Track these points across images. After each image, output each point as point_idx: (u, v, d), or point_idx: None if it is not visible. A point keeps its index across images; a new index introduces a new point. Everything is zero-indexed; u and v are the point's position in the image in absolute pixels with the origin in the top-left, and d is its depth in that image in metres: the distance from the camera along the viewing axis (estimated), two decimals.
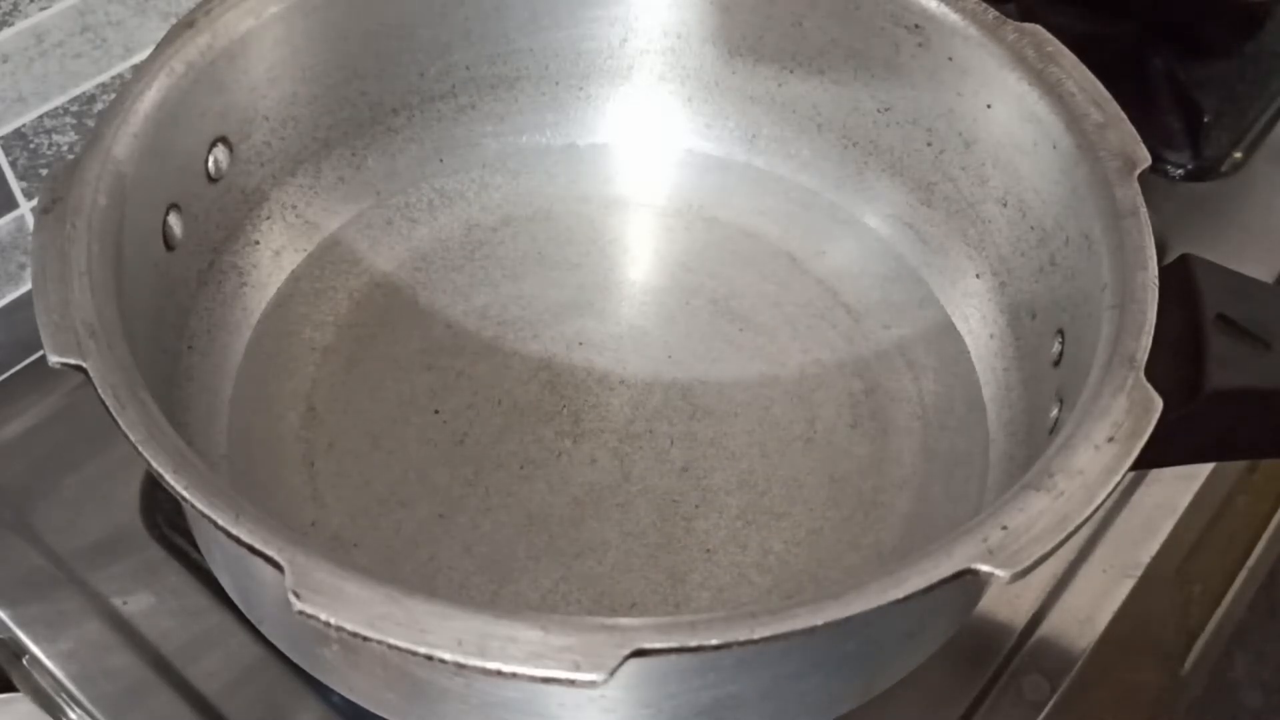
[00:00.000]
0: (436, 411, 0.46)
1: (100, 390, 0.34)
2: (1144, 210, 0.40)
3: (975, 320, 0.48)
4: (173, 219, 0.42)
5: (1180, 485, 0.51)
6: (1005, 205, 0.46)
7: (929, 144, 0.48)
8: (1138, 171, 0.41)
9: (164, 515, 0.48)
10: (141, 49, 0.51)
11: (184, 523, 0.47)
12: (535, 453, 0.45)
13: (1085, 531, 0.46)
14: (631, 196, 0.53)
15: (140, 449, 0.33)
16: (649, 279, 0.51)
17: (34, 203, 0.51)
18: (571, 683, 0.29)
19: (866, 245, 0.51)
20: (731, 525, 0.44)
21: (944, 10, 0.45)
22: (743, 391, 0.47)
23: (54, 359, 0.34)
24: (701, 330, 0.49)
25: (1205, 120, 0.61)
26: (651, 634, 0.30)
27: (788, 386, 0.48)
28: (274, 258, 0.47)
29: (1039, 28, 0.44)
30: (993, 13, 0.45)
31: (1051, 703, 0.45)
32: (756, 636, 0.30)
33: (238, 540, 0.31)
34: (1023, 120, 0.44)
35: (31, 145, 0.50)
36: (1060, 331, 0.42)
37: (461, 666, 0.29)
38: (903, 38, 0.47)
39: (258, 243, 0.48)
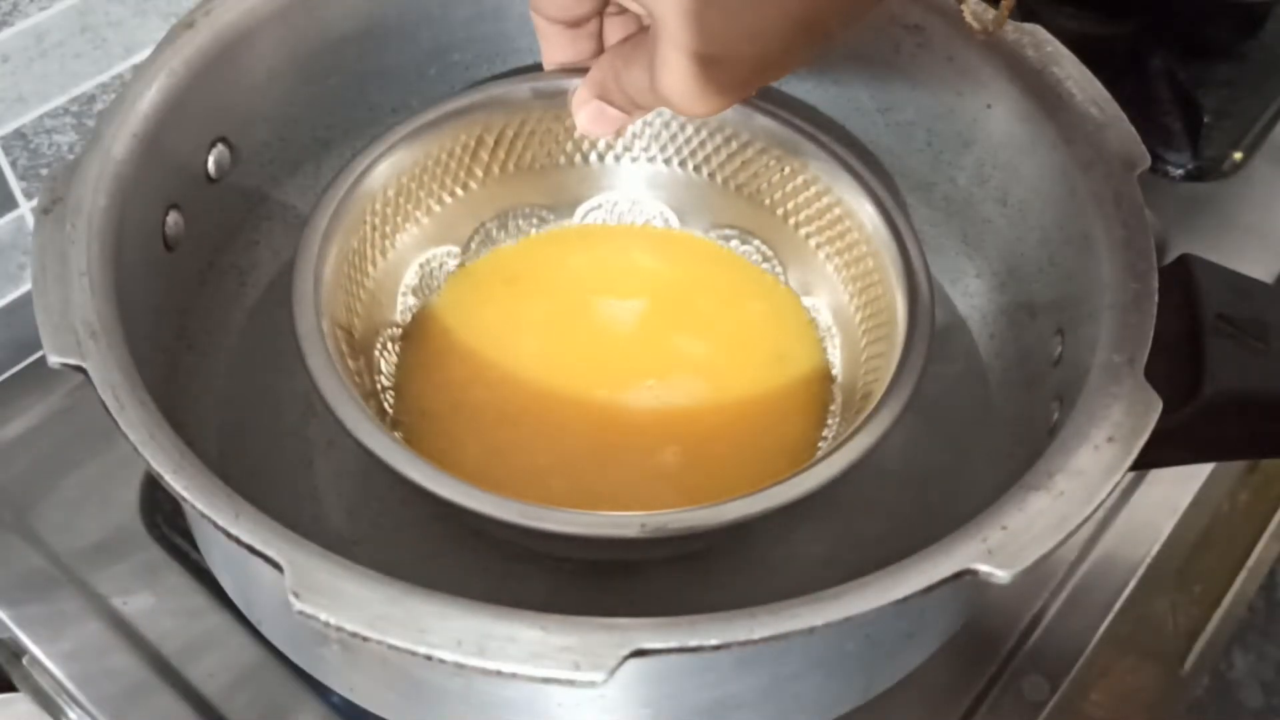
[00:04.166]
0: None
1: (100, 390, 0.34)
2: (1144, 210, 0.40)
3: (975, 320, 0.48)
4: (173, 219, 0.42)
5: (1180, 485, 0.51)
6: (1005, 205, 0.46)
7: (929, 144, 0.48)
8: (1138, 171, 0.41)
9: (164, 516, 0.48)
10: (141, 49, 0.51)
11: (184, 523, 0.47)
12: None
13: (1085, 531, 0.46)
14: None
15: (140, 449, 0.33)
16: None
17: (34, 203, 0.51)
18: (571, 683, 0.29)
19: None
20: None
21: (944, 10, 0.45)
22: None
23: (54, 359, 0.34)
24: None
25: (1205, 120, 0.62)
26: (651, 634, 0.30)
27: None
28: (274, 258, 0.47)
29: (1039, 28, 0.44)
30: (992, 12, 0.45)
31: (1052, 703, 0.45)
32: (756, 637, 0.30)
33: (237, 540, 0.31)
34: (1022, 120, 0.44)
35: (31, 145, 0.50)
36: (1060, 331, 0.42)
37: (461, 667, 0.29)
38: (903, 38, 0.47)
39: (258, 243, 0.48)
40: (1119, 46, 0.63)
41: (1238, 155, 0.62)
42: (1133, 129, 0.42)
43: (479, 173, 0.47)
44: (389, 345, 0.45)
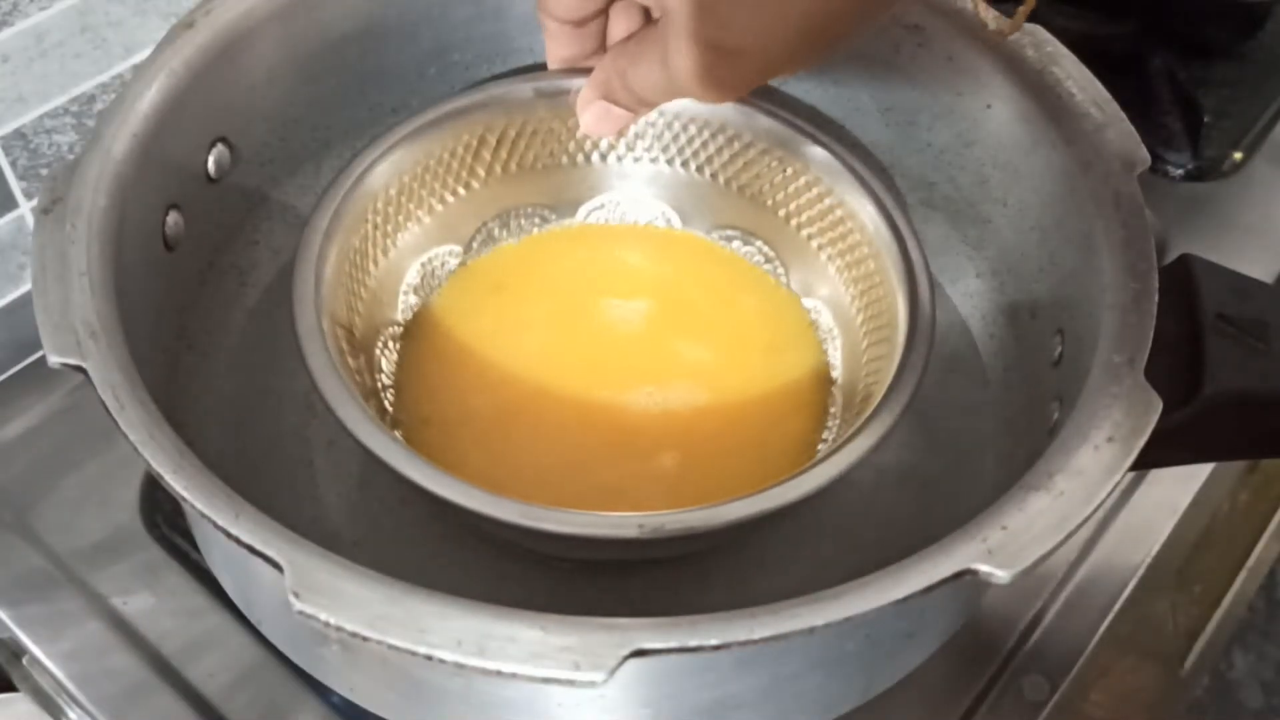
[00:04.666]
0: None
1: (100, 390, 0.34)
2: (1144, 210, 0.40)
3: (975, 320, 0.48)
4: (173, 219, 0.42)
5: (1180, 485, 0.51)
6: (1005, 205, 0.46)
7: (929, 144, 0.48)
8: (1137, 171, 0.41)
9: (164, 516, 0.48)
10: (141, 49, 0.51)
11: (184, 523, 0.47)
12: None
13: (1085, 531, 0.46)
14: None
15: (140, 449, 0.33)
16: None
17: (34, 203, 0.51)
18: (571, 683, 0.29)
19: None
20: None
21: (944, 10, 0.45)
22: None
23: (54, 359, 0.34)
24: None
25: (1205, 120, 0.62)
26: (651, 634, 0.30)
27: None
28: (274, 258, 0.47)
29: (1039, 28, 0.44)
30: (993, 13, 0.45)
31: (1052, 703, 0.45)
32: (756, 637, 0.30)
33: (238, 540, 0.31)
34: (1023, 120, 0.44)
35: (31, 145, 0.50)
36: (1060, 331, 0.42)
37: (461, 667, 0.29)
38: (903, 38, 0.47)
39: (258, 243, 0.48)
40: (1119, 46, 0.63)
41: (1238, 155, 0.62)
42: (1133, 129, 0.42)
43: (481, 172, 0.47)
44: (390, 344, 0.45)
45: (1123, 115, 0.42)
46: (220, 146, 0.44)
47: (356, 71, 0.48)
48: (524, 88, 0.46)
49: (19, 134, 0.49)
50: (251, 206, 0.47)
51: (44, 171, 0.50)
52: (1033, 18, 0.44)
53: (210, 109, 0.43)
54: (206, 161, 0.44)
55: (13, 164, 0.49)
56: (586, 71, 0.43)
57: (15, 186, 0.50)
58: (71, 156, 0.49)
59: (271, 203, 0.48)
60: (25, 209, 0.51)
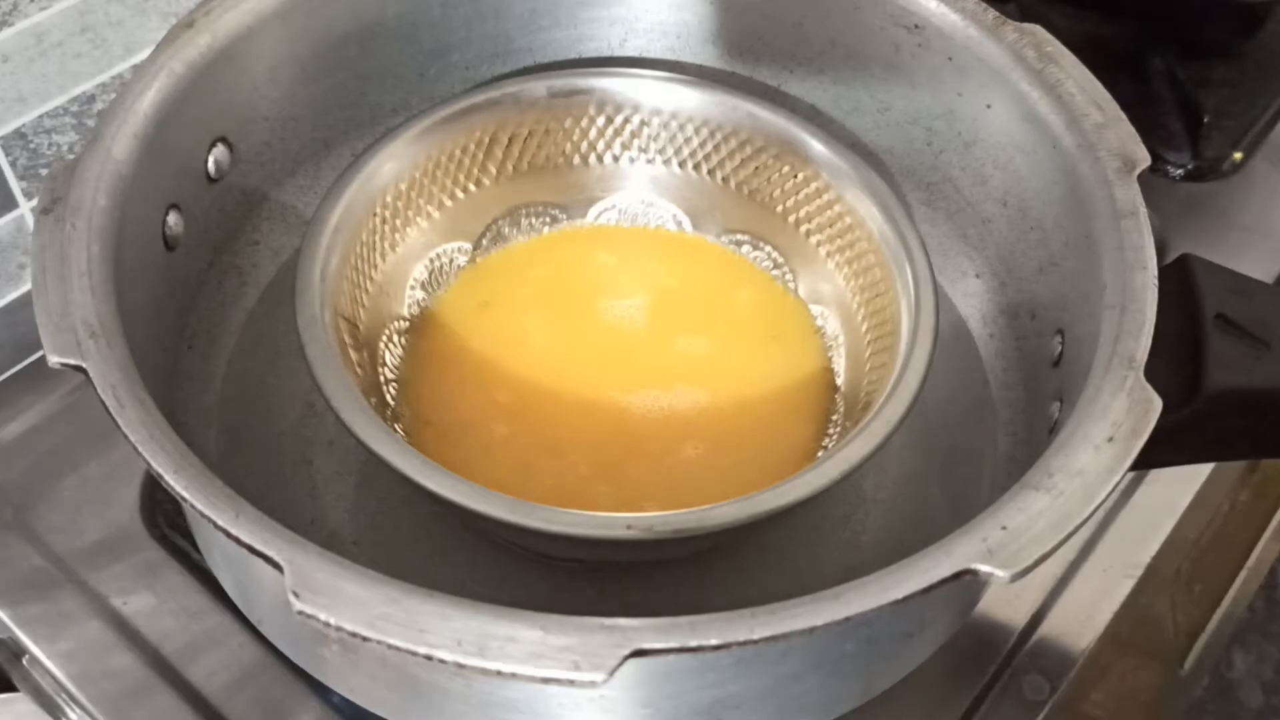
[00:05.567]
0: None
1: (100, 390, 0.34)
2: (1144, 210, 0.40)
3: (975, 320, 0.48)
4: (173, 219, 0.42)
5: (1180, 485, 0.51)
6: (1005, 205, 0.46)
7: (929, 144, 0.48)
8: (1137, 171, 0.41)
9: (164, 515, 0.48)
10: (141, 49, 0.51)
11: (184, 523, 0.47)
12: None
13: (1085, 531, 0.46)
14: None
15: (140, 449, 0.33)
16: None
17: (34, 203, 0.51)
18: (571, 683, 0.29)
19: None
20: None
21: (943, 10, 0.45)
22: None
23: (54, 359, 0.34)
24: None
25: (1205, 120, 0.61)
26: (651, 634, 0.30)
27: None
28: (274, 258, 0.48)
29: (1039, 28, 0.44)
30: (992, 13, 0.45)
31: (1051, 703, 0.45)
32: (755, 637, 0.30)
33: (238, 540, 0.31)
34: (1023, 120, 0.44)
35: (31, 145, 0.50)
36: (1060, 331, 0.42)
37: (461, 667, 0.29)
38: (903, 38, 0.47)
39: (258, 243, 0.48)
40: (1119, 46, 0.63)
41: (1238, 155, 0.62)
42: (1133, 129, 0.42)
43: (492, 169, 0.47)
44: (395, 338, 0.45)
45: (1123, 115, 0.42)
46: (220, 146, 0.44)
47: (356, 71, 0.48)
48: (537, 86, 0.46)
49: (19, 134, 0.49)
50: (251, 206, 0.47)
51: (44, 171, 0.50)
52: (1033, 17, 0.44)
53: (210, 109, 0.43)
54: (206, 161, 0.44)
55: (13, 164, 0.49)
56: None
57: (15, 186, 0.50)
58: (71, 156, 0.49)
59: (271, 203, 0.48)
60: (25, 209, 0.51)
